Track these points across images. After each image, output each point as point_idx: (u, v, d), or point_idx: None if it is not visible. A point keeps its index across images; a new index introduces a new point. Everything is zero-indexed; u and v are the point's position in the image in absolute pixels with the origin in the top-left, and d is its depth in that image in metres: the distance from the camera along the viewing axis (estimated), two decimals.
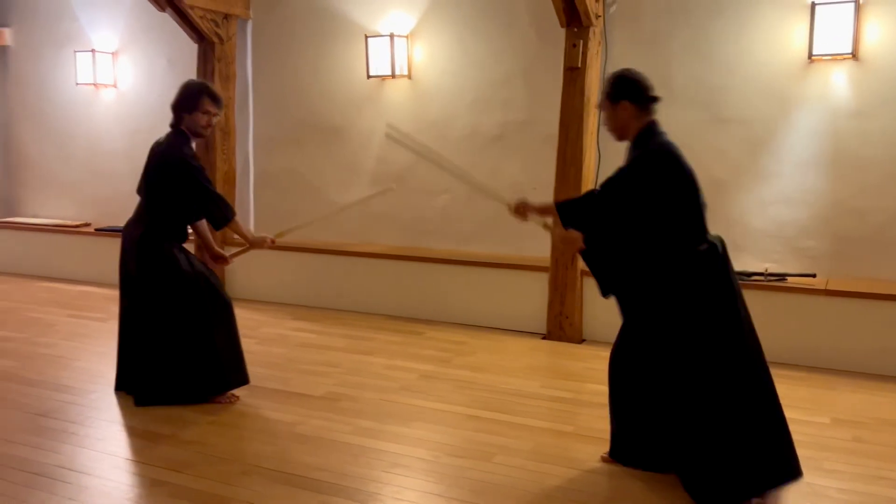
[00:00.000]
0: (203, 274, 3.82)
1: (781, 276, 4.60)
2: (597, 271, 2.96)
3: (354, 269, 5.79)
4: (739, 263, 4.81)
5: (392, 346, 4.88)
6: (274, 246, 4.02)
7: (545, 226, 3.27)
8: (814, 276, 4.60)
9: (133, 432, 3.46)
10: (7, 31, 7.42)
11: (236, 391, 3.88)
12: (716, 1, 4.76)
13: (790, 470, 2.79)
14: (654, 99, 2.95)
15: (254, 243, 3.96)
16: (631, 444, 3.08)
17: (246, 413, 3.70)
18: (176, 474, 3.02)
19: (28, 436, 3.37)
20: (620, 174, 2.90)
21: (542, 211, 3.17)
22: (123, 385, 3.91)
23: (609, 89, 2.98)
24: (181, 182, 3.70)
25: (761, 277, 4.61)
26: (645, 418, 3.01)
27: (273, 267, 5.99)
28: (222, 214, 3.75)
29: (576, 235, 2.94)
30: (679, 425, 2.84)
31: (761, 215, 4.79)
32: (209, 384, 3.78)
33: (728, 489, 2.71)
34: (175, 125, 3.78)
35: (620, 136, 3.01)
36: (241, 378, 3.89)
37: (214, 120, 3.84)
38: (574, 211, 3.00)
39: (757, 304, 4.49)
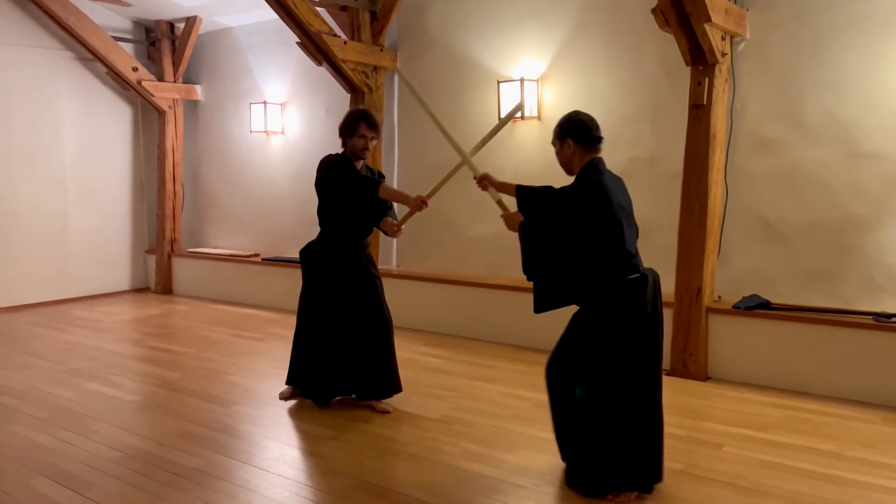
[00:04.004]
0: None
1: None
2: (526, 257, 3.03)
3: (484, 301, 5.75)
4: (881, 304, 4.31)
5: (512, 374, 4.76)
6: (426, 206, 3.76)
7: (498, 202, 3.43)
8: None
9: (265, 444, 3.58)
10: (198, 88, 8.17)
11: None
12: (849, 34, 4.34)
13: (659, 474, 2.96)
14: (598, 139, 3.02)
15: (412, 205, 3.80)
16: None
17: (365, 430, 3.73)
18: (292, 483, 3.10)
19: (176, 440, 3.59)
20: (564, 196, 3.05)
21: (501, 187, 3.45)
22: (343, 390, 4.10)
23: (557, 129, 3.08)
24: (330, 176, 3.88)
25: None
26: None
27: (410, 297, 6.08)
28: (371, 188, 3.79)
29: (518, 218, 3.15)
30: (582, 427, 2.96)
31: None
32: (389, 386, 4.03)
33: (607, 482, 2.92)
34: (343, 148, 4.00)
35: (567, 171, 3.09)
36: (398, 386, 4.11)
37: (371, 143, 3.95)
38: (528, 197, 3.26)
39: None
